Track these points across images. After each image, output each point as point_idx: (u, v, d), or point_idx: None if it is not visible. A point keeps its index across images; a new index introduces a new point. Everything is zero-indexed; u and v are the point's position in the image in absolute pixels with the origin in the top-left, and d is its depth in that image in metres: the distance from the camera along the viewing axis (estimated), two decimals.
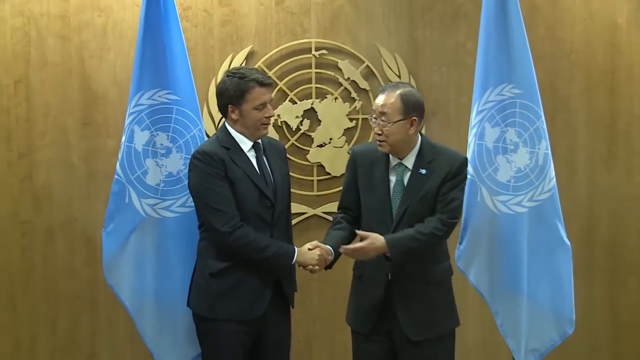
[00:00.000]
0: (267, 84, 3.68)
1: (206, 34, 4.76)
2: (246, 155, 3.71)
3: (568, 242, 4.11)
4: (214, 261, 3.67)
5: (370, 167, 3.70)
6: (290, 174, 4.59)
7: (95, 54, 4.74)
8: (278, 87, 4.76)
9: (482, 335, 4.76)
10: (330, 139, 4.80)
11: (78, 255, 4.76)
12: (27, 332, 4.78)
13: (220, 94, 3.72)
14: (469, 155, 4.13)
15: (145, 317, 4.04)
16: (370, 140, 4.73)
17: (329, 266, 3.72)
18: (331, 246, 3.66)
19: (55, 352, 4.79)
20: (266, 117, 3.69)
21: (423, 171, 3.62)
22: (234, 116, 3.69)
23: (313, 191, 4.76)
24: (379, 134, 3.60)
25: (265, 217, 3.67)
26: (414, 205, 3.60)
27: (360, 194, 3.74)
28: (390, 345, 3.68)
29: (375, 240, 3.51)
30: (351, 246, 3.57)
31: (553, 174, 4.11)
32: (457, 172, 3.62)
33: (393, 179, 3.66)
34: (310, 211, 4.69)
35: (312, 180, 4.79)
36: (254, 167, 3.70)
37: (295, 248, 3.69)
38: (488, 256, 4.12)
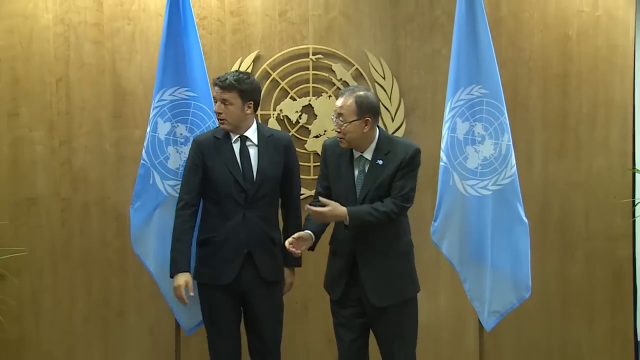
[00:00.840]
0: (217, 83, 3.74)
1: (219, 40, 4.71)
2: (231, 146, 3.76)
3: (526, 220, 4.10)
4: (200, 232, 3.80)
5: (338, 159, 3.68)
6: None
7: (125, 56, 4.68)
8: (280, 86, 4.72)
9: (452, 299, 4.74)
10: (325, 131, 4.75)
11: (110, 228, 4.72)
12: (67, 293, 4.74)
13: None
14: (442, 146, 4.12)
15: (167, 280, 4.01)
16: None
17: (311, 248, 3.69)
18: (312, 231, 3.63)
19: (90, 310, 4.75)
20: (215, 110, 3.78)
21: (380, 162, 3.60)
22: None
23: (310, 175, 4.71)
24: (338, 132, 3.58)
25: (238, 200, 3.73)
26: (372, 191, 3.58)
27: (330, 183, 3.72)
28: (361, 309, 3.67)
29: (335, 208, 3.51)
30: (315, 208, 3.51)
31: (514, 162, 4.10)
32: (409, 161, 3.59)
33: (356, 170, 3.64)
34: (308, 192, 4.64)
35: (309, 165, 4.75)
36: (234, 156, 3.75)
37: (180, 274, 3.74)
38: (458, 232, 4.09)
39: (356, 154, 3.65)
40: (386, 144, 3.64)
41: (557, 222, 4.88)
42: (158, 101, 4.05)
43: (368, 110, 3.56)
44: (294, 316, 4.72)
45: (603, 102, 4.84)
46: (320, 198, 3.57)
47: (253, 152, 3.79)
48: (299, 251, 3.58)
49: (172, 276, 3.78)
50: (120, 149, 4.70)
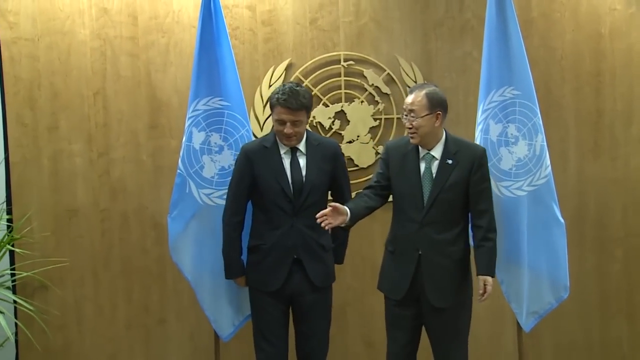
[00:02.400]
0: (287, 106, 3.66)
1: (252, 49, 4.72)
2: (280, 155, 3.76)
3: (562, 220, 4.06)
4: (250, 238, 3.85)
5: (402, 158, 3.68)
6: None
7: (160, 68, 4.72)
8: (312, 93, 4.70)
9: (489, 301, 4.63)
10: (358, 136, 4.74)
11: (148, 237, 4.75)
12: (108, 301, 4.77)
13: None
14: None
15: (203, 288, 4.05)
16: (391, 137, 4.67)
17: (344, 227, 3.67)
18: (349, 208, 3.61)
19: (130, 318, 4.79)
20: (285, 132, 3.70)
21: (450, 161, 3.61)
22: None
23: None
24: (410, 128, 3.59)
25: (285, 209, 3.75)
26: (444, 192, 3.58)
27: (392, 182, 3.71)
28: (417, 310, 3.67)
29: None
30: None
31: (548, 162, 4.06)
32: (480, 163, 3.65)
33: (423, 166, 3.64)
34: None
35: None
36: (282, 166, 3.75)
37: (237, 279, 3.90)
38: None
39: (422, 152, 3.65)
40: (454, 143, 3.68)
41: (595, 221, 4.81)
42: (192, 111, 4.06)
43: (439, 104, 3.61)
44: (332, 320, 4.69)
45: (638, 98, 4.77)
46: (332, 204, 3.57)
47: (302, 161, 3.79)
48: (330, 222, 3.52)
49: (227, 278, 3.91)
50: (156, 159, 4.73)
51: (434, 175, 3.62)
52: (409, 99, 3.61)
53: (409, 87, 4.69)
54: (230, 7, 4.67)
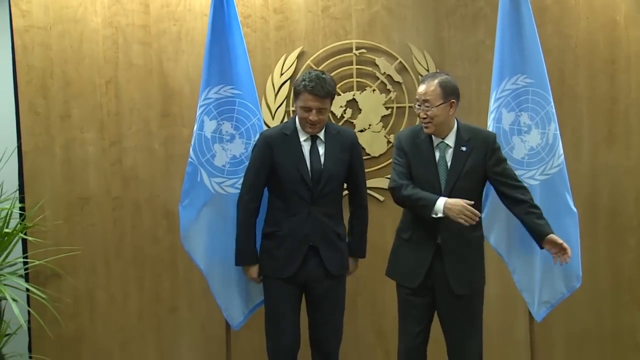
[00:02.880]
0: (315, 93, 3.66)
1: (263, 37, 4.71)
2: (300, 143, 3.75)
3: (575, 209, 4.04)
4: (265, 225, 3.84)
5: (416, 147, 3.66)
6: None
7: (172, 56, 4.71)
8: None
9: (501, 290, 4.66)
10: (370, 125, 4.72)
11: (160, 225, 4.75)
12: (120, 290, 4.79)
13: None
14: None
15: (215, 276, 4.05)
16: (403, 126, 4.65)
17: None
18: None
19: (142, 306, 4.80)
20: (310, 120, 3.70)
21: (464, 148, 3.61)
22: (294, 107, 3.81)
23: None
24: (425, 118, 3.58)
25: (304, 197, 3.74)
26: (462, 179, 3.58)
27: (412, 171, 3.68)
28: (431, 299, 3.67)
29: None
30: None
31: (561, 151, 4.05)
32: (494, 148, 3.66)
33: (437, 155, 3.63)
34: None
35: None
36: (302, 153, 3.74)
37: (251, 266, 3.86)
38: (506, 222, 4.03)
39: (436, 141, 3.64)
40: (466, 131, 3.68)
41: (608, 210, 4.78)
42: (204, 99, 4.06)
43: (452, 92, 3.61)
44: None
45: None
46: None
47: (321, 150, 3.78)
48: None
49: (238, 264, 3.88)
50: (168, 147, 4.73)
51: (448, 164, 3.61)
52: (422, 88, 3.59)
53: (421, 75, 4.67)
54: None
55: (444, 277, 3.60)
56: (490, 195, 4.02)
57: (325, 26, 4.72)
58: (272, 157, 3.75)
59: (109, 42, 4.69)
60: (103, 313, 4.79)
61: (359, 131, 4.69)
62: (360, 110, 4.73)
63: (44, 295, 4.37)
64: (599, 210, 4.75)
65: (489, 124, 4.10)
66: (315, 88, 3.66)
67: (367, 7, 4.71)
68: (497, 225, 4.05)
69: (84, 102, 4.70)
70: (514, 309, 4.72)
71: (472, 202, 3.48)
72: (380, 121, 4.71)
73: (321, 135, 3.80)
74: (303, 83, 3.69)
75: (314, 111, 3.69)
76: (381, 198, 4.71)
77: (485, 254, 4.18)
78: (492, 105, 4.07)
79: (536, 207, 3.63)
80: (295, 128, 3.79)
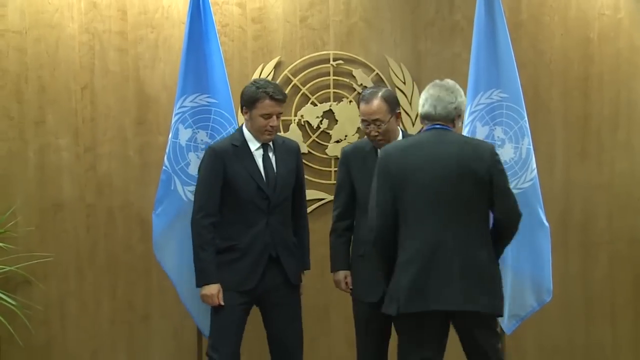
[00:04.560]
0: (277, 99, 3.63)
1: (241, 47, 4.71)
2: (252, 153, 3.69)
3: (547, 224, 4.07)
4: (220, 240, 3.69)
5: (363, 160, 3.67)
6: (311, 165, 4.63)
7: (148, 64, 4.69)
8: (301, 92, 4.70)
9: None
10: (346, 136, 4.73)
11: (134, 233, 4.72)
12: (92, 297, 4.75)
13: (241, 96, 3.74)
14: None
15: (186, 285, 4.01)
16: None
17: None
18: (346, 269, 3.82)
19: (115, 314, 4.76)
20: (270, 126, 3.65)
21: None
22: (246, 117, 3.70)
23: (331, 180, 4.68)
24: (376, 135, 3.58)
25: (261, 207, 3.67)
26: None
27: (356, 187, 3.70)
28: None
29: None
30: None
31: (534, 165, 4.08)
32: None
33: None
34: (329, 197, 4.61)
35: (330, 170, 4.72)
36: (256, 164, 3.68)
37: (210, 284, 3.66)
38: None
39: None
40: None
41: (580, 225, 4.82)
42: (179, 108, 4.05)
43: (396, 103, 3.66)
44: (316, 320, 4.69)
45: (625, 104, 4.79)
46: None
47: (273, 158, 3.75)
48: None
49: (199, 285, 3.70)
50: (144, 155, 4.71)
51: None
52: (369, 109, 3.57)
53: (397, 87, 4.69)
54: (220, 3, 4.65)
55: None
56: None
57: (303, 36, 4.73)
58: (225, 170, 3.65)
59: (85, 48, 4.66)
60: (74, 320, 4.74)
61: (334, 142, 4.70)
62: (337, 120, 4.73)
63: (14, 302, 4.32)
64: (570, 225, 4.79)
65: None
66: (275, 93, 3.63)
67: (345, 19, 4.73)
68: None
69: (59, 107, 4.67)
70: None
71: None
72: (356, 132, 4.72)
73: (270, 144, 3.75)
74: (264, 90, 3.62)
75: (274, 117, 3.64)
76: None
77: None
78: (467, 118, 4.08)
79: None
80: (244, 139, 3.71)
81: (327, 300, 4.73)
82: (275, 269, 3.72)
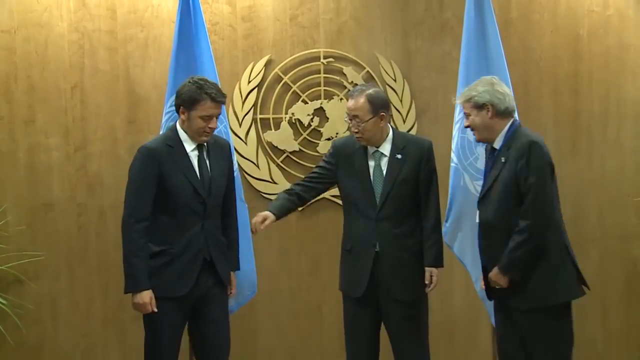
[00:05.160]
0: (218, 100, 3.49)
1: (231, 45, 4.70)
2: (187, 154, 3.54)
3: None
4: (151, 245, 3.50)
5: (351, 156, 3.67)
6: (303, 163, 4.62)
7: (139, 63, 4.68)
8: (292, 90, 4.71)
9: (466, 299, 4.70)
10: (337, 133, 4.73)
11: None
12: (84, 296, 4.74)
13: (177, 94, 3.54)
14: (453, 147, 4.14)
15: None
16: None
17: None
18: (274, 213, 3.64)
19: (106, 313, 4.75)
20: (209, 128, 3.50)
21: (399, 156, 3.62)
22: (183, 117, 3.52)
23: None
24: (356, 132, 3.58)
25: (197, 210, 3.53)
26: (397, 187, 3.59)
27: (342, 182, 3.71)
28: (376, 309, 3.66)
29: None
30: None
31: None
32: (429, 156, 3.67)
33: (372, 164, 3.63)
34: (321, 195, 4.60)
35: None
36: (192, 165, 3.54)
37: (142, 291, 3.46)
38: (470, 232, 4.05)
39: (371, 149, 3.65)
40: (401, 138, 3.69)
41: (571, 221, 4.77)
42: (170, 106, 4.04)
43: (381, 105, 3.59)
44: (308, 318, 4.70)
45: (615, 101, 4.81)
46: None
47: (207, 161, 3.62)
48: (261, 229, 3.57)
49: (129, 292, 3.51)
50: (134, 154, 4.66)
51: (384, 172, 3.62)
52: (350, 104, 3.57)
53: (388, 85, 4.70)
54: (210, 2, 4.65)
55: (386, 285, 3.60)
56: (454, 204, 4.06)
57: (293, 35, 4.73)
58: (160, 172, 3.47)
59: (75, 47, 4.65)
60: (66, 320, 4.73)
61: (325, 139, 4.70)
62: (328, 118, 4.74)
63: (5, 302, 4.31)
64: None
65: (454, 134, 4.14)
66: (217, 95, 3.48)
67: (335, 17, 4.73)
68: (461, 235, 4.08)
69: (49, 107, 4.65)
70: (478, 318, 4.75)
71: None
72: (348, 130, 4.72)
73: (204, 144, 3.61)
74: (201, 92, 3.45)
75: (214, 119, 3.52)
76: None
77: (452, 264, 4.23)
78: (457, 115, 4.10)
79: (434, 231, 3.65)
80: (179, 139, 3.54)
81: (319, 298, 4.73)
82: (208, 272, 3.59)
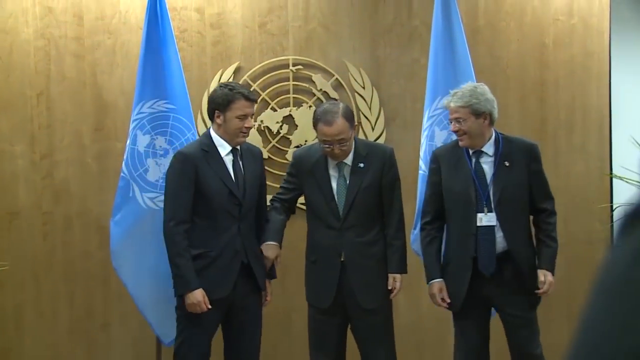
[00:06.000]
0: (251, 99, 3.63)
1: (200, 52, 4.68)
2: (222, 158, 3.62)
3: None
4: (190, 248, 3.58)
5: (313, 167, 3.66)
6: (271, 170, 4.61)
7: (106, 69, 4.65)
8: (261, 97, 4.69)
9: (433, 305, 4.69)
10: (306, 141, 4.72)
11: (92, 241, 4.67)
12: (50, 306, 4.68)
13: (211, 100, 3.67)
14: (421, 154, 4.13)
15: (145, 293, 3.97)
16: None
17: None
18: (275, 241, 3.73)
19: (73, 323, 4.70)
20: (245, 127, 3.61)
21: (361, 165, 3.62)
22: (219, 121, 3.61)
23: None
24: (339, 153, 3.56)
25: (232, 213, 3.61)
26: (360, 195, 3.60)
27: (305, 192, 3.71)
28: (342, 318, 3.67)
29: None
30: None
31: None
32: (391, 162, 3.69)
33: (334, 174, 3.64)
34: None
35: None
36: (227, 169, 3.63)
37: (193, 290, 3.53)
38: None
39: (333, 160, 3.64)
40: (363, 146, 3.69)
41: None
42: (137, 114, 4.01)
43: (353, 118, 3.66)
44: (277, 326, 4.68)
45: (580, 109, 4.86)
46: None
47: (241, 163, 3.71)
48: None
49: (180, 294, 3.58)
50: (101, 161, 4.65)
51: (347, 181, 3.62)
52: (333, 130, 3.49)
53: (357, 92, 4.70)
54: (179, 9, 4.63)
55: (352, 293, 3.59)
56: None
57: (262, 42, 4.72)
58: (197, 176, 3.57)
59: (41, 53, 4.60)
60: (31, 329, 4.66)
61: (295, 147, 4.69)
62: (297, 126, 4.73)
63: None
64: None
65: (422, 141, 4.16)
66: (250, 94, 3.66)
67: (304, 24, 4.74)
68: None
69: (14, 114, 4.59)
70: (447, 323, 4.72)
71: None
72: (316, 137, 4.72)
73: (238, 148, 3.71)
74: (235, 91, 3.58)
75: (249, 118, 3.63)
76: None
77: (420, 269, 4.23)
78: (425, 123, 4.12)
79: (397, 237, 3.67)
80: (214, 144, 3.63)
81: (288, 305, 4.71)
82: (246, 276, 3.67)
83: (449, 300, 3.62)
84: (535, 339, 3.69)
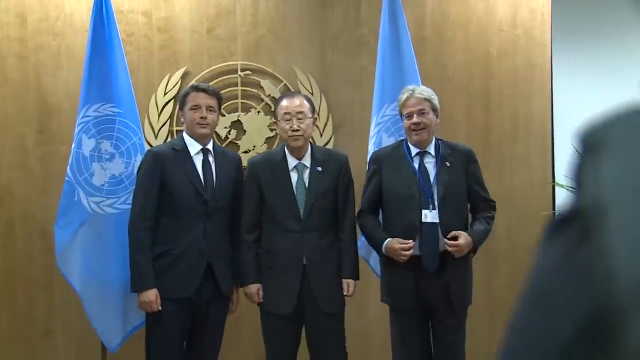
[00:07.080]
0: (201, 89, 3.70)
1: (147, 56, 4.64)
2: (191, 157, 3.67)
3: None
4: (155, 246, 3.62)
5: (272, 171, 3.66)
6: None
7: (50, 72, 4.57)
8: None
9: (380, 309, 4.68)
10: (254, 146, 4.73)
11: (35, 245, 4.57)
12: None
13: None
14: (368, 160, 4.12)
15: (91, 298, 3.91)
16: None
17: None
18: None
19: (14, 330, 4.59)
20: (200, 117, 3.64)
21: (319, 168, 3.65)
22: (182, 119, 3.74)
23: None
24: (297, 130, 3.57)
25: (198, 212, 3.62)
26: (320, 199, 3.62)
27: (264, 197, 3.67)
28: (300, 322, 3.67)
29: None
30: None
31: None
32: (347, 169, 3.74)
33: (294, 176, 3.65)
34: None
35: None
36: (195, 167, 3.65)
37: (148, 290, 3.55)
38: None
39: (293, 162, 3.65)
40: (319, 152, 3.74)
41: None
42: (82, 117, 3.95)
43: (314, 108, 3.73)
44: (226, 331, 4.63)
45: (523, 118, 4.95)
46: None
47: (213, 164, 3.72)
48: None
49: (136, 291, 3.59)
50: (45, 165, 4.57)
51: (306, 184, 3.63)
52: (295, 102, 3.61)
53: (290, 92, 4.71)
54: (125, 12, 4.58)
55: (313, 298, 3.59)
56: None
57: (210, 47, 4.70)
58: (163, 174, 3.60)
59: None
60: None
61: (243, 152, 4.69)
62: (245, 131, 4.73)
63: None
64: None
65: (369, 148, 4.18)
66: (200, 86, 3.74)
67: (252, 30, 4.73)
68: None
69: None
70: None
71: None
72: (265, 142, 4.73)
73: (210, 148, 3.74)
74: (188, 88, 3.75)
75: (203, 108, 3.65)
76: None
77: (367, 276, 4.27)
78: (373, 130, 4.15)
79: (350, 243, 3.70)
80: (184, 143, 3.69)
81: (238, 311, 4.68)
82: (211, 280, 3.64)
83: (410, 243, 3.51)
84: (462, 346, 3.80)
